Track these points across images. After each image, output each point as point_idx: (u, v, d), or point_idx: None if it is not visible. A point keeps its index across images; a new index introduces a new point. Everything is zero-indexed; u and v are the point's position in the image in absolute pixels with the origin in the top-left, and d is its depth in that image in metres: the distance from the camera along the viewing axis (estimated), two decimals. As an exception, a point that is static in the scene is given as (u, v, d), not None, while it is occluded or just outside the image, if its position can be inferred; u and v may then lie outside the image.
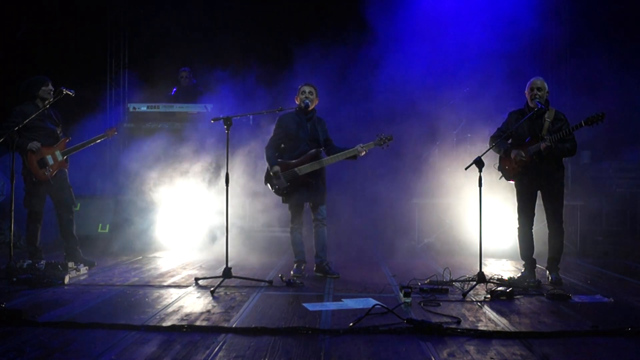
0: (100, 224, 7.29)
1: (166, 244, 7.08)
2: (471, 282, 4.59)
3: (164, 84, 8.60)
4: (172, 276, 5.17)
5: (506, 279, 4.73)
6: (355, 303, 4.00)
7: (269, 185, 5.22)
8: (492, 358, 2.84)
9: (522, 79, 5.09)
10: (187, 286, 4.67)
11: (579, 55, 8.57)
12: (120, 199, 7.54)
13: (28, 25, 8.62)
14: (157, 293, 4.38)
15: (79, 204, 6.69)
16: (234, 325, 3.39)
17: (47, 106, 5.30)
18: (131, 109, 8.01)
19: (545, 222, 5.04)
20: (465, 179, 6.56)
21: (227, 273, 4.59)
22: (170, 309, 3.83)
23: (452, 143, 7.91)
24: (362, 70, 8.10)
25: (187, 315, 3.67)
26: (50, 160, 5.40)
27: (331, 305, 3.95)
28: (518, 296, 4.28)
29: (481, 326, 3.42)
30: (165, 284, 4.80)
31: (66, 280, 4.71)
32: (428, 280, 4.73)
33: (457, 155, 7.61)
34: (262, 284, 4.68)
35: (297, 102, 5.27)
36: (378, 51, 7.88)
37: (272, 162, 5.16)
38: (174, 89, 8.52)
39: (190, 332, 3.27)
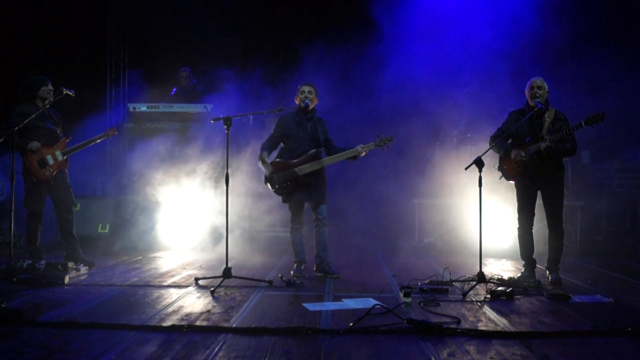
0: (100, 224, 7.30)
1: (166, 244, 7.08)
2: (471, 282, 4.59)
3: (164, 84, 8.61)
4: (172, 276, 5.17)
5: (506, 279, 4.73)
6: (355, 303, 4.00)
7: (269, 185, 5.22)
8: (492, 358, 2.84)
9: (523, 78, 5.09)
10: (187, 286, 4.67)
11: (580, 55, 8.57)
12: (120, 199, 7.54)
13: (28, 25, 8.62)
14: (157, 293, 4.38)
15: (78, 204, 6.69)
16: (234, 325, 3.39)
17: (47, 106, 5.31)
18: (131, 109, 8.02)
19: (545, 222, 5.04)
20: (466, 179, 6.56)
21: (227, 273, 4.59)
22: (170, 309, 3.83)
23: (452, 143, 7.92)
24: (364, 69, 8.10)
25: (187, 315, 3.67)
26: (50, 160, 5.40)
27: (331, 305, 3.95)
28: (518, 296, 4.28)
29: (481, 326, 3.42)
30: (165, 284, 4.80)
31: (66, 280, 4.71)
32: (428, 280, 4.73)
33: (458, 155, 7.62)
34: (262, 284, 4.68)
35: (296, 102, 5.27)
36: (380, 51, 7.88)
37: (261, 149, 5.16)
38: (174, 89, 8.52)
39: (190, 332, 3.27)
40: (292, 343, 3.06)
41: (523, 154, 4.83)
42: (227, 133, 4.72)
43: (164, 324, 3.41)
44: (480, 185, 4.48)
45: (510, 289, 4.26)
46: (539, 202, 4.96)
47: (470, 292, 4.32)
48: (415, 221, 7.45)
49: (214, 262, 6.03)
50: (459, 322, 3.49)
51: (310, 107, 5.20)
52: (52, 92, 5.40)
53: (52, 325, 3.36)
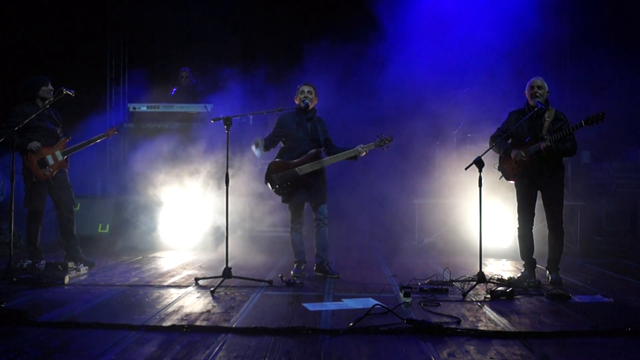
0: (100, 224, 7.30)
1: (166, 244, 7.08)
2: (471, 282, 4.59)
3: (164, 84, 8.61)
4: (172, 276, 5.17)
5: (506, 279, 4.73)
6: (355, 303, 4.00)
7: (269, 185, 5.21)
8: (492, 358, 2.84)
9: (523, 78, 5.08)
10: (187, 286, 4.67)
11: (581, 54, 8.57)
12: (120, 199, 7.54)
13: (28, 25, 8.62)
14: (157, 293, 4.38)
15: (78, 204, 6.69)
16: (234, 325, 3.39)
17: (47, 106, 5.30)
18: (131, 109, 8.02)
19: (545, 222, 5.04)
20: (466, 179, 6.56)
21: (227, 273, 4.59)
22: (170, 309, 3.83)
23: (452, 143, 7.92)
24: (365, 69, 8.10)
25: (187, 315, 3.67)
26: (50, 160, 5.39)
27: (331, 305, 3.95)
28: (518, 296, 4.27)
29: (481, 326, 3.42)
30: (165, 284, 4.80)
31: (66, 280, 4.71)
32: (428, 280, 4.73)
33: (459, 155, 7.62)
34: (262, 284, 4.68)
35: (296, 102, 5.27)
36: (380, 51, 7.88)
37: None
38: (174, 89, 8.52)
39: (190, 332, 3.27)
40: (292, 343, 3.06)
41: (523, 154, 4.83)
42: (227, 133, 4.72)
43: (164, 324, 3.41)
44: (480, 185, 4.48)
45: (510, 289, 4.26)
46: (539, 202, 4.96)
47: (470, 292, 4.32)
48: (415, 221, 7.44)
49: (214, 262, 6.03)
50: (459, 322, 3.49)
51: (310, 107, 5.20)
52: (52, 92, 5.40)
53: (52, 325, 3.36)
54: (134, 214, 7.33)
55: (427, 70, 7.67)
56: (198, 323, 3.46)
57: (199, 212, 7.07)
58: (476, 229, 4.63)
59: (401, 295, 4.04)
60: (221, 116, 4.76)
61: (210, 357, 2.83)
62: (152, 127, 7.90)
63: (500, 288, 4.28)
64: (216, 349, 2.96)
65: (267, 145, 5.20)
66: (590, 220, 7.42)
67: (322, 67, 7.58)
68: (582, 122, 4.60)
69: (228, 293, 4.37)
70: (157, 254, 6.66)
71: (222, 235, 6.82)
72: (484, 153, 4.65)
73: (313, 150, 5.14)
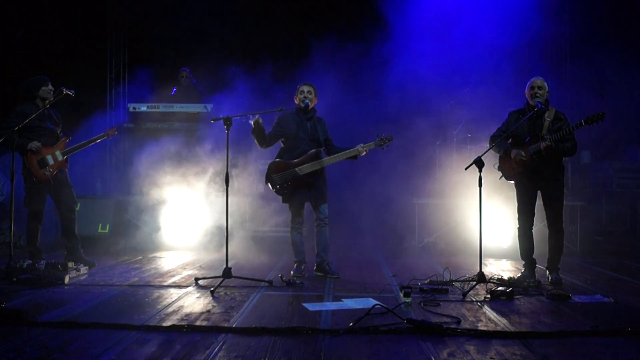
0: (100, 224, 7.30)
1: (166, 244, 7.08)
2: (471, 282, 4.59)
3: (164, 84, 8.61)
4: (172, 276, 5.18)
5: (506, 279, 4.73)
6: (355, 303, 4.00)
7: (269, 185, 5.21)
8: (492, 358, 2.84)
9: (525, 78, 5.08)
10: (187, 286, 4.67)
11: (581, 54, 8.57)
12: (120, 199, 7.54)
13: (28, 25, 8.62)
14: (157, 293, 4.38)
15: (78, 204, 6.69)
16: (234, 325, 3.39)
17: (47, 106, 5.31)
18: (131, 109, 8.02)
19: (545, 222, 5.04)
20: (466, 179, 6.56)
21: (227, 273, 4.59)
22: (170, 309, 3.83)
23: (452, 143, 7.92)
24: (364, 69, 8.10)
25: (187, 315, 3.67)
26: (50, 160, 5.40)
27: (331, 305, 3.95)
28: (518, 296, 4.27)
29: (481, 326, 3.42)
30: (165, 284, 4.80)
31: (66, 280, 4.71)
32: (428, 280, 4.73)
33: (459, 155, 7.62)
34: (262, 284, 4.68)
35: (296, 102, 5.27)
36: (381, 50, 7.88)
37: None
38: (174, 89, 8.52)
39: (190, 332, 3.27)
40: (292, 343, 3.06)
41: (523, 154, 4.83)
42: (227, 133, 4.72)
43: (164, 324, 3.41)
44: (480, 185, 4.48)
45: (510, 289, 4.26)
46: (539, 202, 4.96)
47: (470, 292, 4.32)
48: (416, 221, 7.45)
49: (214, 262, 6.03)
50: (459, 322, 3.48)
51: (309, 107, 5.20)
52: (52, 92, 5.40)
53: (52, 325, 3.36)
54: (134, 214, 7.34)
55: (429, 70, 7.67)
56: (198, 323, 3.46)
57: (199, 212, 7.08)
58: (476, 229, 4.63)
59: (401, 295, 4.04)
60: (221, 116, 4.76)
61: (210, 357, 2.83)
62: (152, 127, 7.90)
63: (500, 288, 4.28)
64: (216, 349, 2.96)
65: (265, 138, 5.13)
66: (590, 220, 7.42)
67: (322, 67, 7.57)
68: (582, 121, 4.60)
69: (228, 293, 4.37)
70: (157, 254, 6.66)
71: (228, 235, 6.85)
72: (484, 153, 4.65)
73: (313, 150, 5.14)
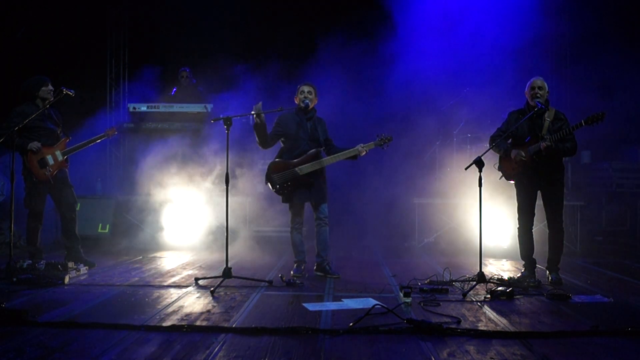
0: (100, 224, 7.30)
1: (166, 244, 7.08)
2: (471, 282, 4.59)
3: (164, 84, 8.61)
4: (173, 276, 5.17)
5: (506, 279, 4.73)
6: (355, 303, 4.00)
7: (269, 185, 5.21)
8: (492, 358, 2.84)
9: (525, 78, 5.08)
10: (187, 286, 4.67)
11: (582, 54, 8.57)
12: (120, 199, 7.55)
13: (28, 25, 8.62)
14: (157, 293, 4.38)
15: (79, 204, 6.69)
16: (234, 325, 3.39)
17: (47, 106, 5.31)
18: (131, 109, 8.02)
19: (545, 222, 5.04)
20: (467, 179, 6.57)
21: (227, 273, 4.59)
22: (170, 309, 3.83)
23: (452, 143, 7.92)
24: (365, 68, 8.10)
25: (187, 315, 3.67)
26: (50, 160, 5.40)
27: (331, 305, 3.95)
28: (518, 296, 4.28)
29: (481, 326, 3.42)
30: (165, 284, 4.80)
31: (66, 280, 4.71)
32: (428, 280, 4.73)
33: (460, 155, 7.62)
34: (262, 284, 4.68)
35: (296, 102, 5.27)
36: (380, 50, 7.88)
37: None
38: (174, 89, 8.53)
39: (190, 332, 3.27)
40: (292, 343, 3.06)
41: (523, 154, 4.82)
42: (227, 133, 4.72)
43: (164, 324, 3.41)
44: (480, 185, 4.48)
45: (510, 289, 4.26)
46: (539, 202, 4.96)
47: (470, 292, 4.32)
48: (416, 221, 7.45)
49: (214, 262, 6.03)
50: (459, 322, 3.49)
51: (310, 107, 5.20)
52: (52, 92, 5.40)
53: (52, 325, 3.36)
54: (134, 214, 7.34)
55: (427, 70, 7.67)
56: (198, 323, 3.46)
57: (199, 212, 7.08)
58: (476, 229, 4.63)
59: (401, 295, 4.04)
60: (221, 116, 4.76)
61: (210, 357, 2.83)
62: (152, 127, 7.90)
63: (500, 288, 4.28)
64: (216, 349, 2.96)
65: (266, 134, 5.12)
66: (590, 220, 7.42)
67: (321, 67, 7.57)
68: (582, 121, 4.59)
69: (228, 293, 4.37)
70: (157, 254, 6.66)
71: (230, 235, 6.85)
72: (484, 153, 4.65)
73: (313, 150, 5.14)
